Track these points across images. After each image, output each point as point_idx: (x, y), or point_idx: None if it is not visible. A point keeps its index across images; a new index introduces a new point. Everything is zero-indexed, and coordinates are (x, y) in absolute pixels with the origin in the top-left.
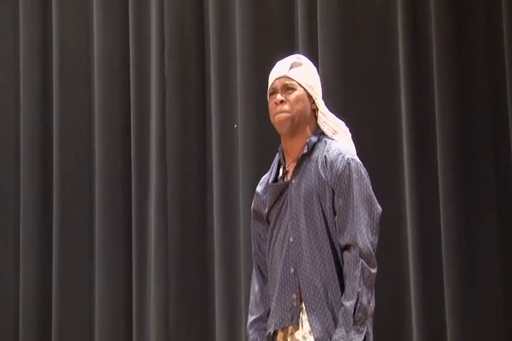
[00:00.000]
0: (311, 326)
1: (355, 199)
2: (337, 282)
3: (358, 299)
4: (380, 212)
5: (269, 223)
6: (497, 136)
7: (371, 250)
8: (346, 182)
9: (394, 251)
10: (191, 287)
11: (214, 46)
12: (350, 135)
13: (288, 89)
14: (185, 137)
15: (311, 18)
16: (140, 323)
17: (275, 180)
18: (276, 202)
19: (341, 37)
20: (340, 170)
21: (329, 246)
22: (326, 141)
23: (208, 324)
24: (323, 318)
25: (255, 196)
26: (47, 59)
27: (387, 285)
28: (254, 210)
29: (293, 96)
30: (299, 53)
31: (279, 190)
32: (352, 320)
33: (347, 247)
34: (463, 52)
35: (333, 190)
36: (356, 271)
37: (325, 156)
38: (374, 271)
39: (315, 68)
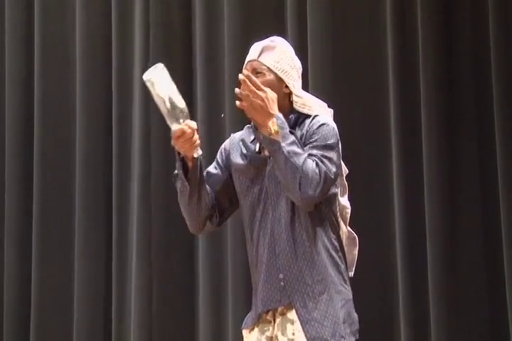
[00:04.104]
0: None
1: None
2: (317, 263)
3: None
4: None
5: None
6: (482, 126)
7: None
8: (317, 135)
9: (381, 242)
10: (175, 276)
11: (201, 34)
12: (330, 111)
13: (257, 73)
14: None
15: (300, 8)
16: (120, 312)
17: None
18: (253, 177)
19: (331, 27)
20: (313, 129)
21: (312, 223)
22: (308, 117)
23: (192, 309)
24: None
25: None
26: (30, 47)
27: (375, 277)
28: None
29: (261, 81)
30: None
31: (257, 164)
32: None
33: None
34: (449, 43)
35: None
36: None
37: (307, 128)
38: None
39: (291, 50)
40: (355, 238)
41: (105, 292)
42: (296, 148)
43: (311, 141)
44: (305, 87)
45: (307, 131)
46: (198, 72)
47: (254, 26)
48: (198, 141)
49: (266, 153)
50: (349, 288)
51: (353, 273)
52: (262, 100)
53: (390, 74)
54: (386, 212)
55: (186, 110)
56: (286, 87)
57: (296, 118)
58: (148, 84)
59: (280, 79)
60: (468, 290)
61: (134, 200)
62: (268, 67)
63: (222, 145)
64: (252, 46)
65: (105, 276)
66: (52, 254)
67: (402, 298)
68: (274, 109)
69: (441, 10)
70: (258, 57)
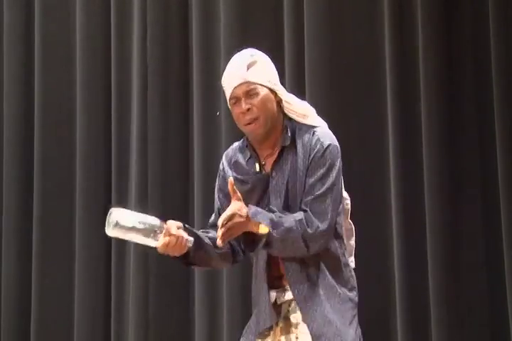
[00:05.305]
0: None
1: (327, 180)
2: (326, 280)
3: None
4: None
5: None
6: (483, 126)
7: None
8: (321, 165)
9: (379, 240)
10: (172, 277)
11: (198, 33)
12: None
13: (251, 94)
14: (168, 125)
15: (298, 6)
16: (119, 312)
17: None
18: (254, 196)
19: (328, 26)
20: (316, 156)
21: None
22: (307, 129)
23: (188, 309)
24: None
25: (221, 177)
26: (29, 47)
27: (374, 277)
28: (221, 189)
29: (258, 99)
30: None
31: (258, 182)
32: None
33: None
34: (449, 41)
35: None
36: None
37: (308, 145)
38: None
39: (267, 58)
40: (352, 228)
41: (105, 292)
42: (283, 227)
43: (314, 175)
44: (301, 86)
45: (310, 155)
46: (195, 70)
47: (251, 25)
48: (185, 238)
49: (267, 170)
50: (354, 295)
51: (354, 263)
52: (233, 227)
53: (387, 74)
54: (385, 212)
55: (159, 224)
56: (276, 95)
57: (293, 128)
58: (115, 231)
59: (271, 90)
60: (468, 291)
61: (131, 200)
62: (259, 84)
63: (219, 174)
64: (232, 66)
65: (105, 276)
66: (53, 254)
67: (401, 298)
68: (245, 217)
69: (441, 9)
70: (246, 77)
